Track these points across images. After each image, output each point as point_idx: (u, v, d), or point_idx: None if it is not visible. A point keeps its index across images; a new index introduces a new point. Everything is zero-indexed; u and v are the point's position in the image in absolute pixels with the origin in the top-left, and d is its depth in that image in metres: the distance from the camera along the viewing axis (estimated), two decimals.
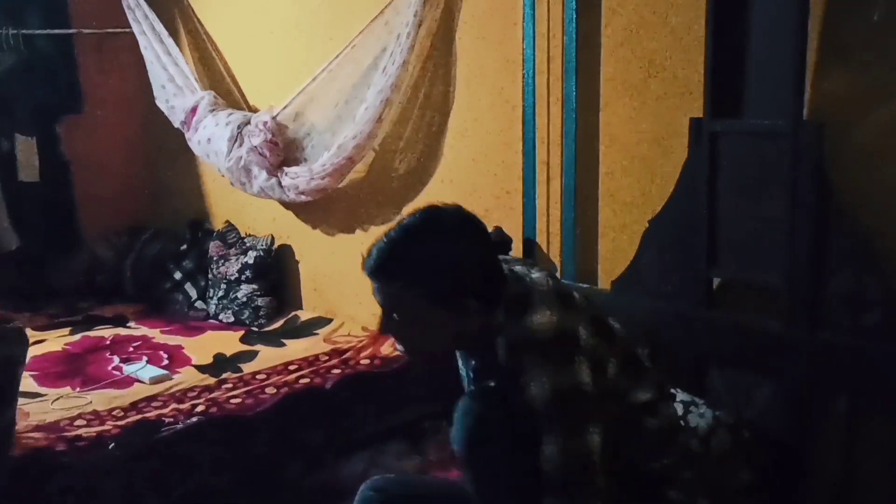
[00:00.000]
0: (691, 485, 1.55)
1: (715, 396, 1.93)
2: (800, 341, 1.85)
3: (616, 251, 2.39)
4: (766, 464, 1.71)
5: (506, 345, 1.44)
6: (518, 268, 1.61)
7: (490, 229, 2.53)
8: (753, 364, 1.95)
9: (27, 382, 2.68)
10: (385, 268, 1.47)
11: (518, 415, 1.40)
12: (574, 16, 2.36)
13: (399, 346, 1.57)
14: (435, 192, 2.94)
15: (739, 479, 1.60)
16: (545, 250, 2.57)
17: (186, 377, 2.79)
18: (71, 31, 3.81)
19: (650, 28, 2.24)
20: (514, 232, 2.59)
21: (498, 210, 2.70)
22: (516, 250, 2.58)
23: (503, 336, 1.45)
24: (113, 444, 2.12)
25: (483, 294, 1.48)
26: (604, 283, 2.41)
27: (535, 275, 1.58)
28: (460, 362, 1.72)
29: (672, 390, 1.70)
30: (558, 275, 2.52)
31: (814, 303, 1.83)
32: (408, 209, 3.04)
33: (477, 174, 2.79)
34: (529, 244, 2.59)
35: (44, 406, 2.53)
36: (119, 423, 2.38)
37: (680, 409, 1.66)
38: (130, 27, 3.72)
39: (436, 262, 1.46)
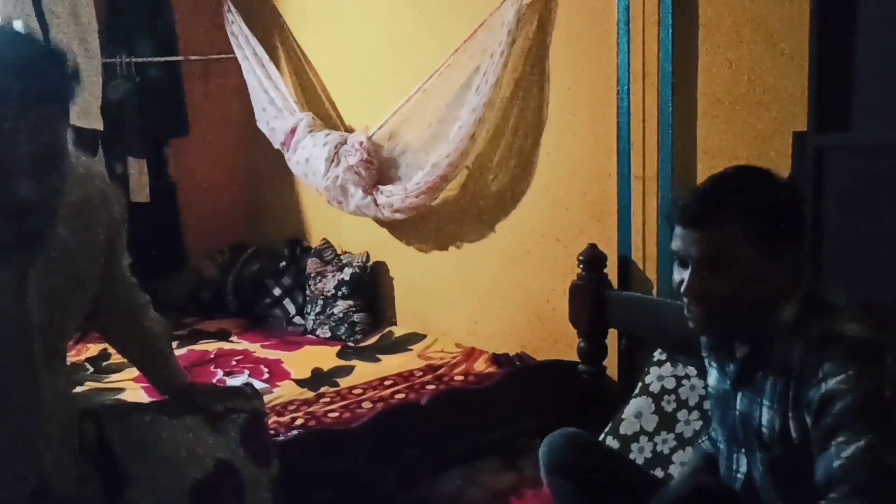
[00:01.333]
0: None
1: None
2: None
3: None
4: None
5: (811, 336, 1.37)
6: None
7: (584, 247, 2.55)
8: None
9: (138, 394, 2.80)
10: (708, 211, 1.43)
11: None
12: (670, 30, 2.33)
13: (694, 312, 1.47)
14: (528, 209, 2.94)
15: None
16: (641, 268, 2.54)
17: (286, 391, 2.87)
18: (179, 58, 3.99)
19: (749, 40, 2.19)
20: (609, 250, 2.57)
21: (592, 227, 2.68)
22: (611, 268, 2.56)
23: (806, 328, 1.39)
24: None
25: (797, 253, 1.45)
26: None
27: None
28: (709, 362, 1.63)
29: None
30: (654, 293, 2.48)
31: None
32: (501, 226, 3.06)
33: (571, 191, 2.77)
34: (625, 262, 2.57)
35: None
36: None
37: None
38: (234, 53, 3.88)
39: (760, 207, 1.43)
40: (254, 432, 1.89)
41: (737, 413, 1.51)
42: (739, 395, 1.51)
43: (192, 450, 1.78)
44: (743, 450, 1.53)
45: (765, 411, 1.44)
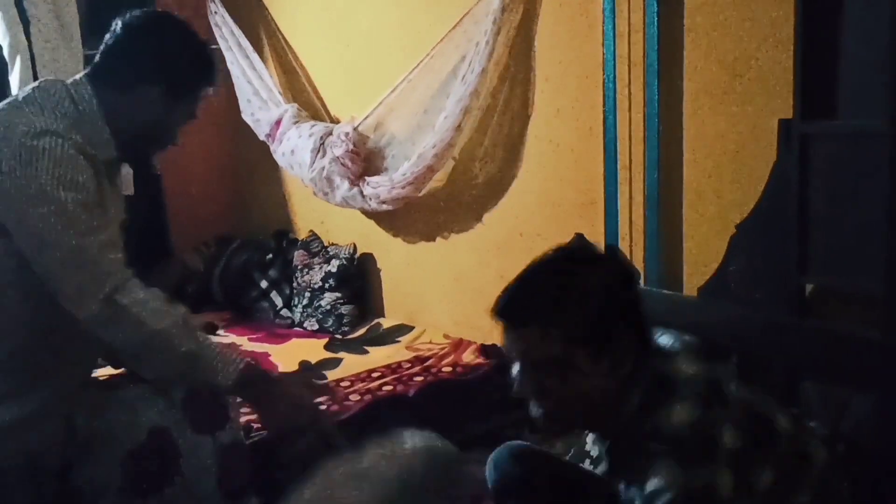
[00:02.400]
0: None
1: (807, 408, 1.87)
2: None
3: (702, 257, 2.33)
4: (864, 478, 1.63)
5: (637, 433, 1.30)
6: (664, 339, 1.43)
7: (571, 236, 2.54)
8: (848, 375, 1.88)
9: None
10: (521, 308, 1.34)
11: None
12: (655, 17, 2.32)
13: (535, 410, 1.40)
14: (515, 199, 2.94)
15: (839, 493, 1.53)
16: (628, 256, 2.53)
17: None
18: None
19: (735, 28, 2.18)
20: (597, 238, 2.56)
21: (579, 215, 2.68)
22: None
23: (635, 422, 1.31)
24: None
25: (629, 342, 1.34)
26: (689, 289, 2.36)
27: (683, 351, 1.39)
28: (589, 440, 1.60)
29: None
30: (641, 282, 2.48)
31: None
32: (488, 216, 3.05)
33: (558, 180, 2.77)
34: (612, 250, 2.56)
35: None
36: None
37: None
38: (217, 44, 3.84)
39: (578, 299, 1.32)
40: (199, 398, 1.74)
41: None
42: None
43: (131, 420, 1.73)
44: None
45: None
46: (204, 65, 1.78)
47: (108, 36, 1.71)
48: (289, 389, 1.75)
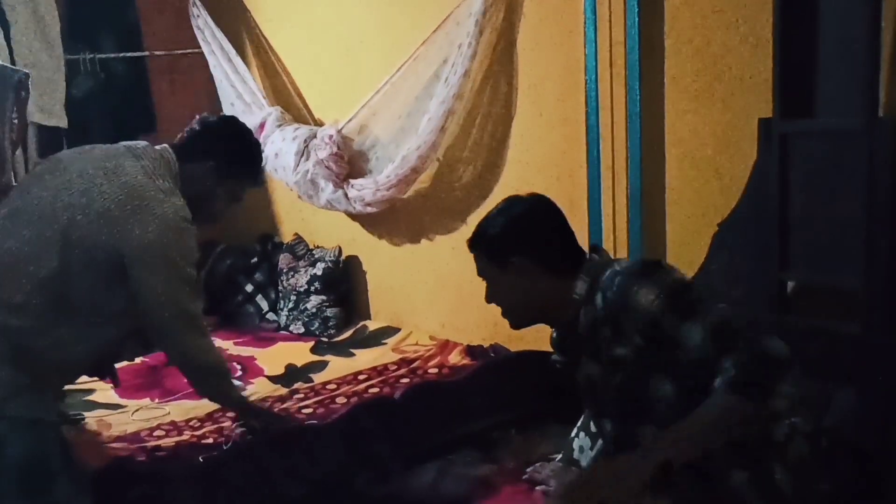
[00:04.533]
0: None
1: (782, 407, 1.88)
2: (879, 345, 1.79)
3: (685, 255, 2.35)
4: (846, 473, 1.65)
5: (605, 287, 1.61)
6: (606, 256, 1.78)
7: None
8: (831, 370, 1.89)
9: (108, 394, 2.77)
10: (472, 239, 1.78)
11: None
12: (636, 19, 2.34)
13: (503, 313, 1.79)
14: (499, 200, 2.92)
15: (819, 489, 1.55)
16: (612, 255, 2.54)
17: (259, 388, 2.85)
18: (144, 53, 3.94)
19: (714, 29, 2.20)
20: (580, 238, 2.56)
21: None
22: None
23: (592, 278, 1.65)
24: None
25: (544, 258, 1.69)
26: None
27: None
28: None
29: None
30: None
31: (893, 305, 1.77)
32: (473, 218, 3.05)
33: (541, 181, 2.77)
34: (596, 250, 2.57)
35: (124, 417, 2.62)
36: (196, 433, 2.45)
37: None
38: (200, 48, 3.83)
39: (504, 229, 1.72)
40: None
41: (588, 382, 1.72)
42: (582, 365, 1.71)
43: None
44: (603, 415, 1.74)
45: (593, 363, 1.67)
46: (254, 159, 2.19)
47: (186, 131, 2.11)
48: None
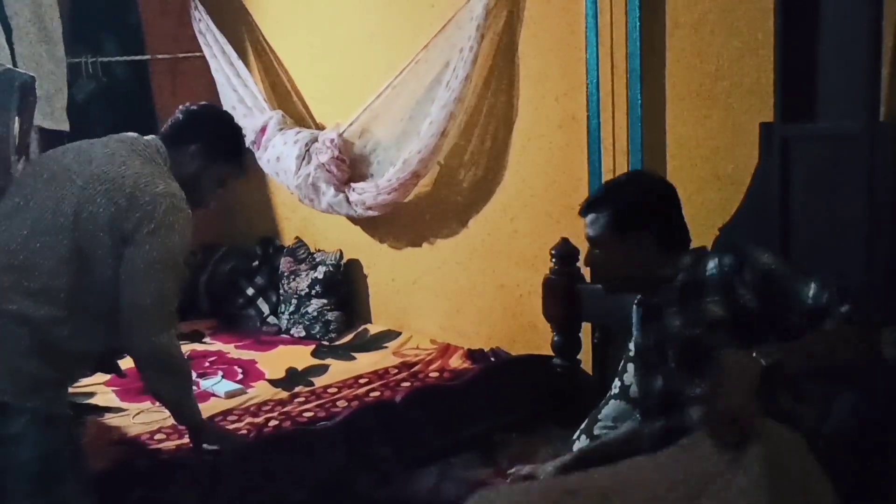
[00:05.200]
0: None
1: (786, 407, 1.88)
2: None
3: None
4: (845, 475, 1.65)
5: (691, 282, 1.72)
6: None
7: (557, 241, 2.55)
8: (831, 374, 1.89)
9: (109, 398, 2.77)
10: (596, 203, 1.83)
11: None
12: (637, 23, 2.34)
13: (599, 280, 1.91)
14: (500, 205, 2.95)
15: None
16: None
17: (260, 391, 2.85)
18: (145, 57, 3.95)
19: (716, 32, 2.20)
20: (583, 242, 2.57)
21: (565, 220, 2.69)
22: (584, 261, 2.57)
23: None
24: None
25: (663, 235, 1.77)
26: None
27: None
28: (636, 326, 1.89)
29: None
30: None
31: (894, 308, 1.77)
32: (474, 222, 3.05)
33: (542, 185, 2.78)
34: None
35: (125, 421, 2.61)
36: None
37: None
38: (202, 51, 3.84)
39: (636, 201, 1.79)
40: None
41: (663, 333, 1.77)
42: (664, 317, 1.77)
43: None
44: (657, 369, 1.77)
45: (675, 316, 1.74)
46: (237, 141, 2.23)
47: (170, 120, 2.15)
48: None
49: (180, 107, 2.19)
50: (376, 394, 2.73)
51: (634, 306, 1.89)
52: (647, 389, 1.82)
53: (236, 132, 2.23)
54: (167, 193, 1.94)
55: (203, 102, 2.25)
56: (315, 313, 3.51)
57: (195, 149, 2.09)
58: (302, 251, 3.72)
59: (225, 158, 2.16)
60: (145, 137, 2.10)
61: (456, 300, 3.18)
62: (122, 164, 1.95)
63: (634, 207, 1.79)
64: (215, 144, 2.13)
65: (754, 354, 1.48)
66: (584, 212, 1.85)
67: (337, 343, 3.41)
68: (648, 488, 1.55)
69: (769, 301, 1.61)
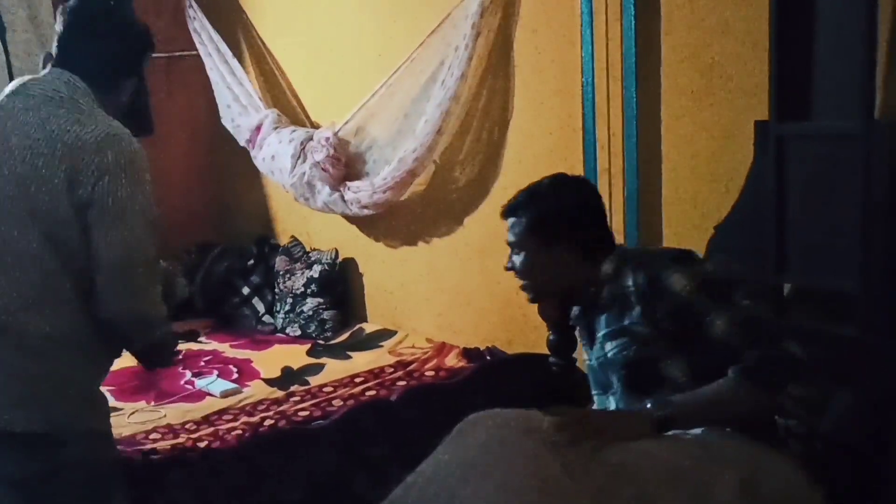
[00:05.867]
0: None
1: (787, 406, 1.88)
2: (876, 348, 1.79)
3: None
4: (843, 476, 1.65)
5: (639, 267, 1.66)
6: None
7: None
8: (827, 372, 1.89)
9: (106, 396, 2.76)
10: (517, 207, 1.78)
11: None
12: (633, 21, 2.34)
13: (523, 287, 1.83)
14: (496, 203, 2.92)
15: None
16: None
17: (256, 391, 2.84)
18: None
19: (711, 30, 2.20)
20: None
21: None
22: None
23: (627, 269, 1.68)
24: None
25: (585, 244, 1.74)
26: None
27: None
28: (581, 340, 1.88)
29: None
30: None
31: (890, 308, 1.77)
32: (469, 220, 3.05)
33: None
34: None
35: (120, 420, 2.60)
36: (192, 435, 2.44)
37: None
38: (197, 50, 3.83)
39: (559, 211, 1.76)
40: None
41: (602, 357, 1.74)
42: (598, 341, 1.74)
43: None
44: (610, 391, 1.76)
45: (608, 338, 1.71)
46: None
47: (59, 25, 1.77)
48: None
49: (57, 18, 1.79)
50: (372, 393, 2.72)
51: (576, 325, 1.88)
52: (604, 410, 1.81)
53: (128, 21, 1.90)
54: (111, 136, 1.67)
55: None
56: (310, 312, 3.50)
57: (99, 49, 1.76)
58: (297, 250, 3.71)
59: (135, 41, 1.88)
60: (54, 77, 1.73)
61: (451, 299, 3.17)
62: (58, 126, 1.65)
63: (555, 215, 1.75)
64: (118, 33, 1.82)
65: (648, 406, 1.51)
66: (504, 215, 1.81)
67: (332, 342, 3.40)
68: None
69: (684, 329, 1.59)
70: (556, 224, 1.74)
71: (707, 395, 1.51)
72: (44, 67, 1.80)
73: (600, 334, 1.73)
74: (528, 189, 1.82)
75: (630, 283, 1.65)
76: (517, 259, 1.79)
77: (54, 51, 1.77)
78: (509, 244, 1.80)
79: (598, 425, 1.48)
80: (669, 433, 1.52)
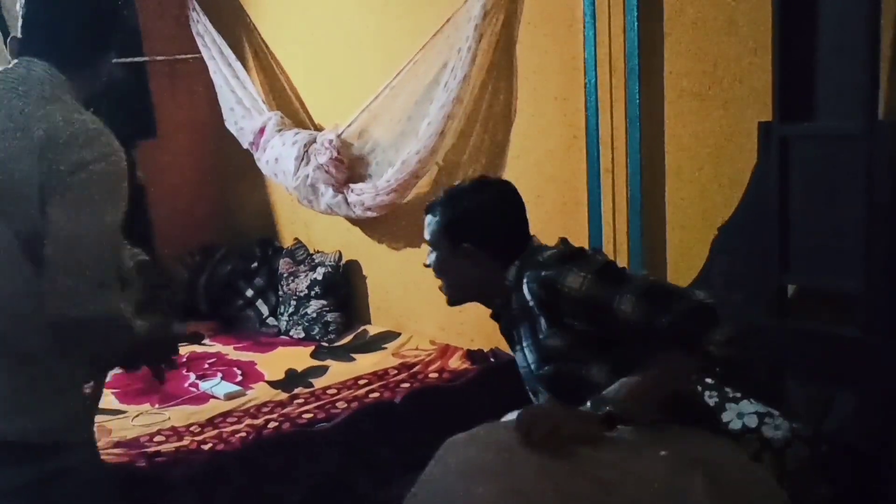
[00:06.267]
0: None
1: (791, 408, 1.88)
2: (879, 349, 1.79)
3: (685, 259, 2.35)
4: (846, 477, 1.65)
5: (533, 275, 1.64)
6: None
7: (556, 239, 2.55)
8: (831, 373, 1.89)
9: (109, 400, 2.77)
10: (434, 206, 1.80)
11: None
12: (636, 22, 2.34)
13: (440, 287, 1.84)
14: None
15: (817, 494, 1.55)
16: (613, 259, 2.54)
17: (259, 393, 2.85)
18: (144, 58, 3.94)
19: (714, 31, 2.20)
20: (580, 241, 2.56)
21: (563, 219, 2.69)
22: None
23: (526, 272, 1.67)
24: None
25: (497, 249, 1.73)
26: None
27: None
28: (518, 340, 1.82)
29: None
30: None
31: (893, 308, 1.77)
32: None
33: (541, 184, 2.78)
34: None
35: (125, 423, 2.61)
36: (196, 438, 2.44)
37: (754, 421, 1.61)
38: (200, 53, 3.84)
39: (465, 215, 1.76)
40: None
41: (527, 367, 1.74)
42: (521, 350, 1.75)
43: None
44: (538, 396, 1.76)
45: (528, 351, 1.72)
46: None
47: (20, 4, 1.64)
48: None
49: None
50: (376, 395, 2.73)
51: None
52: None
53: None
54: (83, 130, 1.57)
55: None
56: (314, 314, 3.51)
57: (73, 37, 1.65)
58: (301, 252, 3.71)
59: (110, 28, 1.76)
60: (22, 69, 1.60)
61: None
62: (27, 122, 1.53)
63: (465, 218, 1.75)
64: (99, 24, 1.72)
65: (589, 405, 1.50)
66: (425, 212, 1.83)
67: (336, 344, 3.40)
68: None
69: (598, 323, 1.58)
70: (464, 226, 1.74)
71: (636, 378, 1.50)
72: (10, 54, 1.66)
73: (522, 345, 1.74)
74: (449, 189, 1.84)
75: (530, 296, 1.64)
76: (431, 257, 1.82)
77: (20, 33, 1.64)
78: (426, 242, 1.83)
79: (558, 422, 1.47)
80: (619, 429, 1.51)
